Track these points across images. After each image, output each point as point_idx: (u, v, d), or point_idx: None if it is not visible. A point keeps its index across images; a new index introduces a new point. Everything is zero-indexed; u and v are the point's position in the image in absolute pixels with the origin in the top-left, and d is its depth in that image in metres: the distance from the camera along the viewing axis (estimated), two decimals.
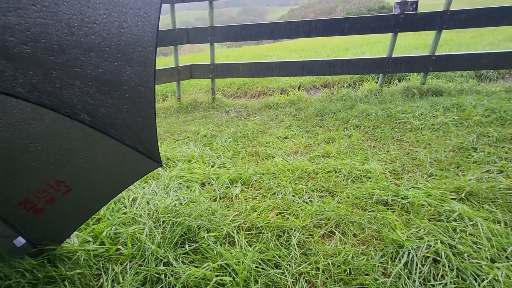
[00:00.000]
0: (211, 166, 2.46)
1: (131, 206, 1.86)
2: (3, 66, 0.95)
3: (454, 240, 1.49)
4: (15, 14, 0.79)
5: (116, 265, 1.40)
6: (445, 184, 1.97)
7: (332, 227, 1.66)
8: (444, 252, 1.42)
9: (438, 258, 1.40)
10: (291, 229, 1.63)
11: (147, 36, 0.79)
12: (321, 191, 2.02)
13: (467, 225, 1.60)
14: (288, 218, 1.74)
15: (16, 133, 1.17)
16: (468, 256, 1.40)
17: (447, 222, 1.63)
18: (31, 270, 1.33)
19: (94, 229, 1.61)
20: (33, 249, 1.44)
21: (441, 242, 1.48)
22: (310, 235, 1.61)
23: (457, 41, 7.12)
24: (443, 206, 1.73)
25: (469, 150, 2.41)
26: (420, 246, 1.45)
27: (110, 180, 1.38)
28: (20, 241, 1.40)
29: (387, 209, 1.78)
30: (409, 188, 1.96)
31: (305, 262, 1.43)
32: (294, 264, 1.41)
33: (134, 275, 1.35)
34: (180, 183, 2.17)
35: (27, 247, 1.43)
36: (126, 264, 1.41)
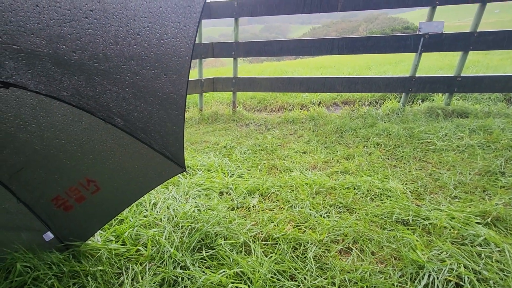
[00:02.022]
0: (230, 176, 2.50)
1: (152, 209, 1.92)
2: (52, 71, 1.05)
3: (478, 266, 1.43)
4: (69, 25, 0.88)
5: (136, 265, 1.44)
6: (469, 207, 1.90)
7: (349, 243, 1.63)
8: (468, 277, 1.36)
9: (461, 283, 1.35)
10: (308, 242, 1.62)
11: (184, 47, 0.86)
12: (339, 207, 2.00)
13: (493, 251, 1.53)
14: (304, 231, 1.74)
15: (56, 133, 1.26)
16: (494, 283, 1.34)
17: (472, 246, 1.57)
18: (58, 263, 1.40)
19: (116, 229, 1.68)
20: (60, 244, 1.52)
21: (464, 267, 1.43)
22: (326, 249, 1.59)
23: (485, 63, 6.94)
24: (467, 229, 1.67)
25: (497, 174, 2.32)
26: (442, 268, 1.40)
27: (135, 182, 1.45)
28: (49, 235, 1.48)
29: (408, 229, 1.73)
30: (431, 210, 1.90)
31: (321, 276, 1.41)
32: (310, 278, 1.40)
33: (152, 276, 1.38)
34: (199, 191, 2.22)
35: (54, 242, 1.51)
36: (146, 265, 1.46)
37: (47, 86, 1.10)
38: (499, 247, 1.54)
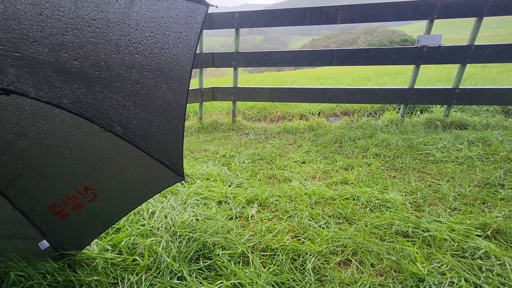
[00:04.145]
0: (229, 186, 2.49)
1: (150, 218, 1.90)
2: (54, 78, 1.05)
3: (479, 279, 1.42)
4: (71, 34, 0.89)
5: (132, 275, 1.42)
6: (469, 219, 1.89)
7: (349, 254, 1.61)
8: None
9: None
10: (306, 254, 1.60)
11: (185, 57, 0.87)
12: (338, 218, 1.99)
13: (494, 264, 1.51)
14: (303, 242, 1.72)
15: (55, 140, 1.26)
16: None
17: (472, 259, 1.55)
18: (52, 273, 1.37)
19: (113, 238, 1.65)
20: (55, 253, 1.49)
21: (465, 280, 1.41)
22: (325, 261, 1.57)
23: (483, 76, 7.01)
24: (467, 242, 1.66)
25: (496, 186, 2.32)
26: (443, 282, 1.38)
27: (134, 190, 1.44)
28: (44, 244, 1.46)
29: (407, 241, 1.72)
30: (431, 221, 1.89)
31: None
32: None
33: (148, 287, 1.36)
34: (197, 200, 2.20)
35: (49, 251, 1.49)
36: (142, 275, 1.43)
37: (47, 94, 1.11)
38: (499, 260, 1.52)
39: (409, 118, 4.22)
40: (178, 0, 0.76)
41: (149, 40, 0.85)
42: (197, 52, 4.36)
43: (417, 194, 2.26)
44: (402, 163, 2.83)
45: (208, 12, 0.90)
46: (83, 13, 0.82)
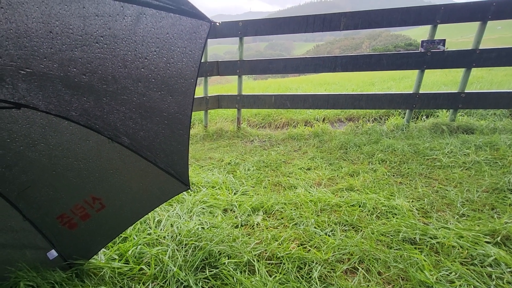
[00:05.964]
0: (234, 193, 2.49)
1: (156, 227, 1.92)
2: (63, 92, 1.09)
3: (489, 287, 1.39)
4: (80, 50, 0.92)
5: (138, 285, 1.43)
6: (478, 226, 1.86)
7: (355, 262, 1.60)
8: None
9: None
10: (313, 262, 1.59)
11: (189, 70, 0.89)
12: (344, 225, 1.98)
13: (504, 272, 1.48)
14: (309, 250, 1.71)
15: (63, 151, 1.29)
16: None
17: (481, 267, 1.53)
18: (61, 282, 1.39)
19: (120, 247, 1.67)
20: (63, 262, 1.51)
21: None
22: (332, 269, 1.56)
23: (489, 79, 6.95)
24: (476, 249, 1.63)
25: (505, 191, 2.28)
26: None
27: (140, 199, 1.46)
28: (52, 254, 1.48)
29: (415, 248, 1.70)
30: (439, 228, 1.87)
31: None
32: None
33: None
34: (203, 208, 2.21)
35: (58, 260, 1.51)
36: (148, 285, 1.44)
37: (57, 107, 1.14)
38: (510, 268, 1.50)
39: (415, 123, 4.20)
40: (182, 17, 0.78)
41: (155, 55, 0.88)
42: (202, 60, 4.40)
43: (424, 200, 2.24)
44: (408, 168, 2.81)
45: (212, 25, 0.92)
46: (91, 30, 0.85)
